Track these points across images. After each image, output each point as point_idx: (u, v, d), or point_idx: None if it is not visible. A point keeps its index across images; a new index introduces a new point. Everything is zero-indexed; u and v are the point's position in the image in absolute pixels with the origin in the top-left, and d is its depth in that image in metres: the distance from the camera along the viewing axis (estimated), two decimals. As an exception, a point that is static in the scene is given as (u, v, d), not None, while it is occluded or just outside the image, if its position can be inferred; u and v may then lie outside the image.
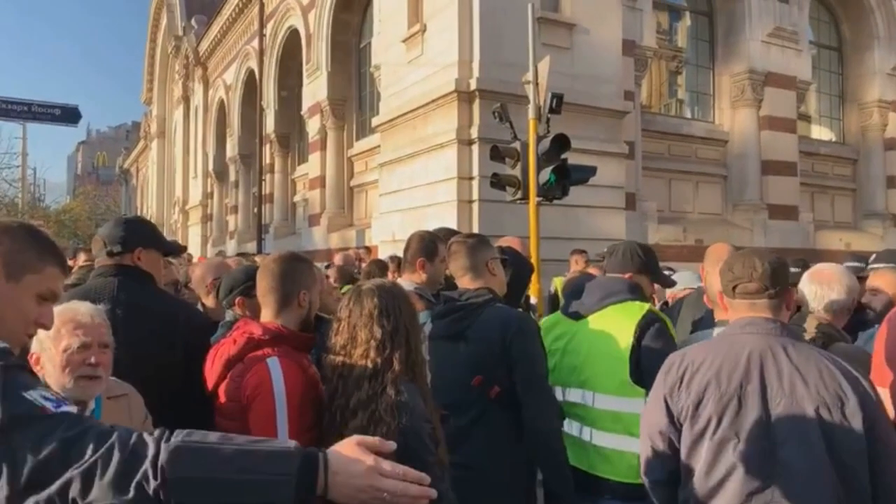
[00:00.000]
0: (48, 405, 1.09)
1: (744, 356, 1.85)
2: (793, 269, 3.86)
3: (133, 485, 1.03)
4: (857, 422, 1.73)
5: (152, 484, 1.03)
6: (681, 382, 1.92)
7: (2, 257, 1.25)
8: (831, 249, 13.17)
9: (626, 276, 2.67)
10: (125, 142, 76.72)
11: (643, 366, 2.40)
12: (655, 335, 2.42)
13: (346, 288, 4.30)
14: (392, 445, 1.21)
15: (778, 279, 1.91)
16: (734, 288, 1.94)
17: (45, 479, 1.02)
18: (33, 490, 1.02)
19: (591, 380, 2.50)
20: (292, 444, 1.17)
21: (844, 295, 2.51)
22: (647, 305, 2.51)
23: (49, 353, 1.77)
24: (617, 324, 2.49)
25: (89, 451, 1.04)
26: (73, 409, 1.13)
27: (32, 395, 1.10)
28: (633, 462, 2.38)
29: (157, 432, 1.10)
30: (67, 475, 1.02)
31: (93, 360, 1.79)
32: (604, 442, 2.46)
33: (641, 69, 12.41)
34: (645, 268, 2.71)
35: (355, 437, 1.21)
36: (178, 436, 1.09)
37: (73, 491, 1.02)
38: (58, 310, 1.79)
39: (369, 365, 1.90)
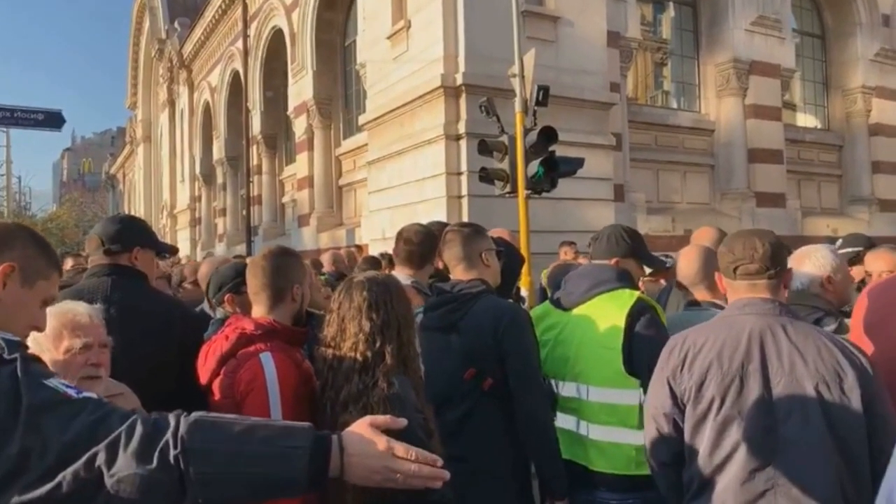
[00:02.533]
0: (70, 391, 1.13)
1: (744, 336, 1.88)
2: None
3: (156, 454, 1.06)
4: (855, 397, 1.76)
5: (172, 452, 1.07)
6: (683, 364, 1.94)
7: (19, 263, 1.30)
8: (819, 236, 13.27)
9: (612, 261, 2.62)
10: (111, 147, 76.23)
11: (636, 356, 2.38)
12: (647, 324, 2.40)
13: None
14: (403, 422, 1.23)
15: (777, 259, 1.94)
16: (735, 269, 1.95)
17: (73, 458, 1.06)
18: (62, 467, 1.05)
19: (585, 372, 2.48)
20: (307, 424, 1.20)
21: (815, 271, 2.52)
22: (636, 293, 2.48)
23: (49, 354, 1.75)
24: (607, 313, 2.46)
25: (115, 430, 1.08)
26: (93, 394, 1.17)
27: (53, 382, 1.14)
28: (631, 454, 2.37)
29: (175, 412, 1.15)
30: (94, 449, 1.06)
31: (94, 360, 1.80)
32: (599, 435, 2.44)
33: (627, 61, 12.45)
34: (631, 251, 2.65)
35: (367, 418, 1.23)
36: (196, 414, 1.15)
37: (99, 460, 1.05)
38: (56, 311, 1.79)
39: (359, 358, 1.89)
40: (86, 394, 1.14)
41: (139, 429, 1.08)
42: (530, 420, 2.36)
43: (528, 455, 2.43)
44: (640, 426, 2.35)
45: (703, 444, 1.89)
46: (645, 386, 2.35)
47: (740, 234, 2.05)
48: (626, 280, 2.56)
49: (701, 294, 2.67)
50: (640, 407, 2.36)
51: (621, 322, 2.40)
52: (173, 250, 3.33)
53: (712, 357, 1.89)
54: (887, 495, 1.21)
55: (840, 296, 2.63)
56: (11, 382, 1.09)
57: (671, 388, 1.96)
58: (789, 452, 1.79)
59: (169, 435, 1.08)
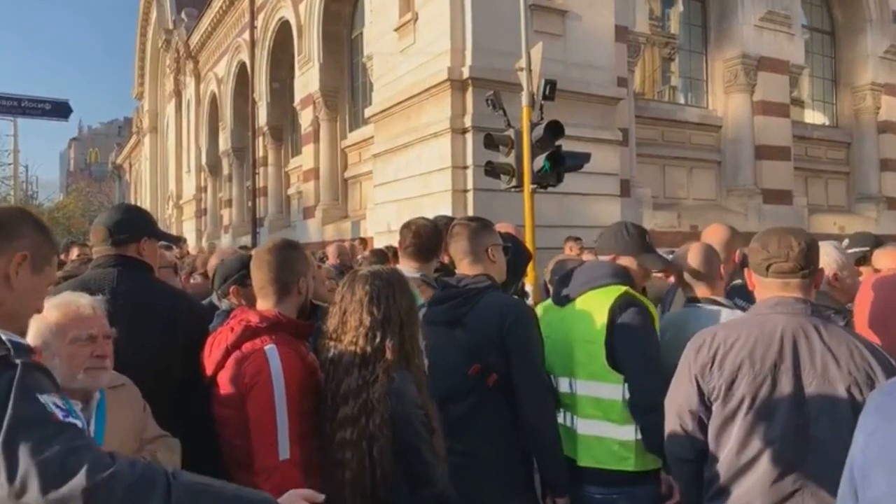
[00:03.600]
0: (58, 413, 1.12)
1: (777, 336, 1.86)
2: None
3: None
4: None
5: None
6: (713, 362, 1.92)
7: (30, 251, 1.30)
8: (826, 233, 13.22)
9: (610, 257, 2.62)
10: (117, 137, 76.39)
11: (619, 351, 2.39)
12: (630, 318, 2.39)
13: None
14: (320, 497, 1.41)
15: (811, 259, 1.92)
16: (768, 266, 1.93)
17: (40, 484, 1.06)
18: (22, 492, 1.05)
19: (574, 367, 2.50)
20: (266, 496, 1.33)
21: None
22: (623, 288, 2.46)
23: (54, 346, 1.75)
24: (594, 308, 2.47)
25: (83, 470, 1.07)
26: (79, 423, 1.17)
27: (45, 399, 1.13)
28: (614, 448, 2.39)
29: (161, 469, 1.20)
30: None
31: (100, 352, 1.80)
32: (585, 429, 2.45)
33: (634, 55, 12.39)
34: (630, 248, 2.62)
35: (299, 492, 1.41)
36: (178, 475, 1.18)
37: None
38: (60, 302, 1.79)
39: (358, 352, 1.90)
40: (72, 420, 1.14)
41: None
42: (531, 418, 2.37)
43: (530, 452, 2.43)
44: (623, 421, 2.39)
45: (729, 442, 1.88)
46: (628, 380, 2.38)
47: (775, 231, 2.01)
48: (620, 276, 2.54)
49: (701, 290, 2.66)
50: (623, 402, 2.38)
51: (604, 317, 2.41)
52: (179, 240, 3.34)
53: (744, 355, 1.87)
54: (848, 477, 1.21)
55: (847, 293, 2.62)
56: (5, 390, 1.09)
57: (699, 386, 1.95)
58: (819, 454, 1.78)
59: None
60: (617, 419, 2.40)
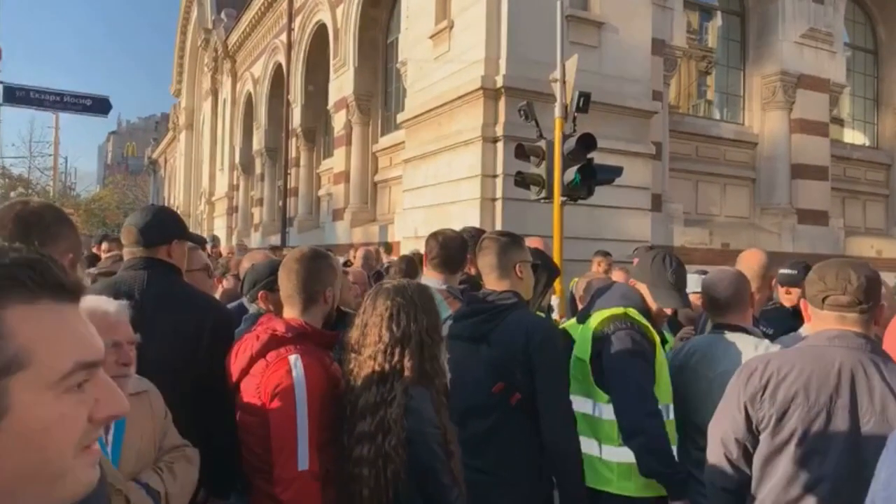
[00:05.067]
0: None
1: (834, 370, 1.81)
2: (790, 271, 3.81)
3: None
4: None
5: None
6: (764, 391, 1.87)
7: (73, 252, 1.27)
8: (862, 256, 12.90)
9: (630, 282, 2.68)
10: (154, 133, 77.81)
11: (605, 371, 2.42)
12: (618, 341, 2.41)
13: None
14: None
15: (871, 294, 1.86)
16: (824, 299, 1.88)
17: None
18: None
19: (573, 384, 2.54)
20: None
21: None
22: (622, 310, 2.47)
23: None
24: (590, 327, 2.53)
25: None
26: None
27: None
28: (597, 467, 2.41)
29: None
30: None
31: (125, 360, 1.77)
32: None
33: (670, 69, 12.26)
34: (646, 276, 2.60)
35: None
36: None
37: None
38: (84, 307, 1.78)
39: (377, 368, 1.89)
40: None
41: None
42: (554, 440, 2.34)
43: (551, 473, 2.40)
44: (608, 441, 2.41)
45: (777, 475, 1.83)
46: (613, 402, 2.39)
47: (833, 263, 1.96)
48: (629, 299, 2.55)
49: (729, 318, 2.63)
50: (609, 422, 2.40)
51: (594, 335, 2.48)
52: (210, 241, 3.38)
53: (798, 387, 1.82)
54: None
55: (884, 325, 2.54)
56: None
57: (747, 413, 1.89)
58: (874, 496, 1.73)
59: None
60: (603, 438, 2.42)
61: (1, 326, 0.60)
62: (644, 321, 2.49)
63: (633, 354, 2.39)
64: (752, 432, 1.90)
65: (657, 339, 2.48)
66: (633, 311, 2.49)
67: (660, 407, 2.42)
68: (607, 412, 2.41)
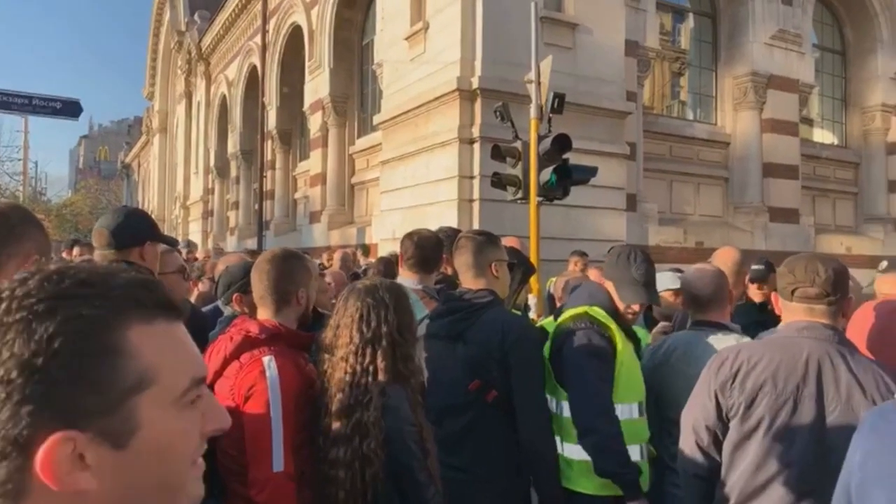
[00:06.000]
0: None
1: (801, 360, 1.85)
2: (758, 267, 3.93)
3: None
4: None
5: None
6: (734, 379, 1.92)
7: (38, 252, 1.29)
8: (833, 253, 13.14)
9: (601, 280, 2.69)
10: (127, 136, 76.79)
11: (563, 368, 2.44)
12: (575, 340, 2.41)
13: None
14: None
15: (839, 286, 1.91)
16: (793, 291, 1.93)
17: None
18: None
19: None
20: None
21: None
22: (583, 309, 2.48)
23: None
24: (553, 327, 2.57)
25: None
26: None
27: None
28: (560, 462, 2.43)
29: None
30: None
31: None
32: None
33: (644, 70, 12.39)
34: (612, 274, 2.59)
35: None
36: None
37: None
38: None
39: (349, 369, 1.88)
40: None
41: None
42: (530, 437, 2.36)
43: (527, 470, 2.41)
44: (565, 437, 2.43)
45: (745, 462, 1.88)
46: (569, 401, 2.41)
47: (803, 256, 2.01)
48: (595, 298, 2.55)
49: (709, 315, 2.66)
50: (567, 418, 2.42)
51: (553, 334, 2.52)
52: (176, 243, 3.33)
53: (767, 376, 1.87)
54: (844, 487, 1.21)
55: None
56: None
57: (717, 401, 1.94)
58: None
59: None
60: (564, 436, 2.44)
61: (128, 346, 0.62)
62: (604, 320, 2.48)
63: (589, 354, 2.39)
64: (723, 420, 1.94)
65: (619, 337, 2.46)
66: (595, 310, 2.48)
67: (626, 406, 2.42)
68: (567, 410, 2.42)
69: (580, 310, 2.48)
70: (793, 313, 1.95)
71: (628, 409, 2.43)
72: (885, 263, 3.95)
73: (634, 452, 2.39)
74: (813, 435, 1.81)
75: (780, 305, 2.01)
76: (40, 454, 0.57)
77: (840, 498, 1.21)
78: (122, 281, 0.65)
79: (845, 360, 1.84)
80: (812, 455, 1.80)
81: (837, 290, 1.90)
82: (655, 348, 2.79)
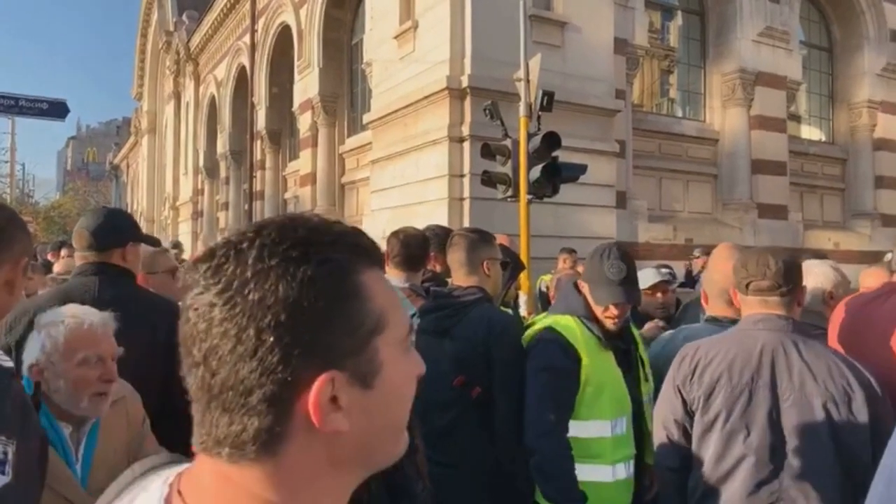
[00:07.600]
0: None
1: (756, 351, 1.90)
2: None
3: None
4: (862, 417, 1.79)
5: None
6: (693, 373, 1.98)
7: (27, 255, 1.30)
8: (821, 249, 13.24)
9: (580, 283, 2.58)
10: (115, 137, 76.36)
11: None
12: (532, 353, 2.35)
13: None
14: None
15: (790, 277, 1.95)
16: (748, 285, 1.98)
17: None
18: None
19: None
20: None
21: (816, 286, 2.49)
22: (550, 320, 2.40)
23: (60, 368, 1.62)
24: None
25: None
26: (7, 480, 1.12)
27: None
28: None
29: None
30: None
31: (108, 376, 1.67)
32: None
33: (633, 68, 12.44)
34: (587, 274, 2.46)
35: None
36: None
37: None
38: (68, 319, 1.67)
39: None
40: (1, 478, 1.10)
41: None
42: (504, 432, 2.36)
43: (500, 457, 2.39)
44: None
45: (709, 452, 1.93)
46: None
47: (754, 250, 2.06)
48: (569, 307, 2.44)
49: (720, 309, 2.61)
50: None
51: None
52: (158, 243, 3.30)
53: (722, 369, 1.92)
54: (886, 480, 1.22)
55: None
56: None
57: (682, 396, 2.00)
58: (795, 467, 1.82)
59: None
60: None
61: (366, 290, 0.63)
62: (567, 332, 2.33)
63: (539, 370, 2.29)
64: (689, 413, 2.00)
65: (585, 350, 2.30)
66: (562, 321, 2.36)
67: (604, 423, 2.29)
68: None
69: (547, 321, 2.42)
70: (749, 307, 2.00)
71: (608, 426, 2.29)
72: (889, 255, 3.97)
73: (620, 471, 2.29)
74: (769, 424, 1.86)
75: (738, 300, 2.06)
76: (311, 396, 0.58)
77: (881, 486, 1.22)
78: (342, 229, 0.66)
79: (798, 348, 1.88)
80: (768, 444, 1.85)
81: (789, 281, 1.94)
82: (668, 340, 2.68)
